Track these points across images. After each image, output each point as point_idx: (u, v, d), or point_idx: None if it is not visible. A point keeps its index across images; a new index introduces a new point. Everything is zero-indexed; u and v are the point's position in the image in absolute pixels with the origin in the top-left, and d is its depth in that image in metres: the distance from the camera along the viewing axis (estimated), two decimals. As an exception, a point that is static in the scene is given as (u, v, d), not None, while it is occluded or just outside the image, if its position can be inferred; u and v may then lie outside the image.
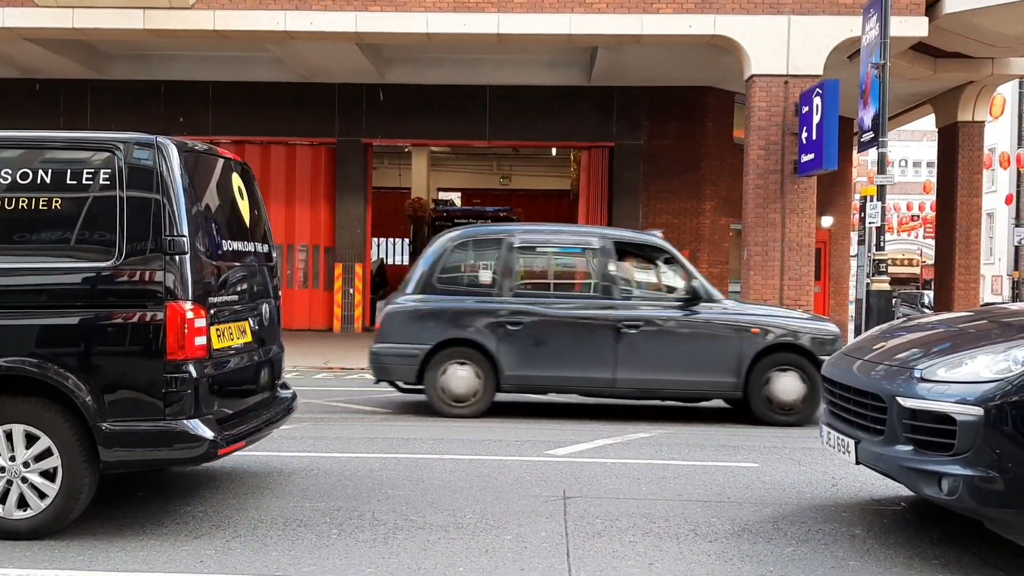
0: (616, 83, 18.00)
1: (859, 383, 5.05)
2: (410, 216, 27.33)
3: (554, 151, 26.23)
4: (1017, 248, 34.99)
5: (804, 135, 13.19)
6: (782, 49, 13.55)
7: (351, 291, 18.93)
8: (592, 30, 13.79)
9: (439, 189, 31.56)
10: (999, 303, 28.27)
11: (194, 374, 4.81)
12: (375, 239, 30.61)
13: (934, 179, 30.02)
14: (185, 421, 4.79)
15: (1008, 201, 33.91)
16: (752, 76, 13.63)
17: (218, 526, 5.10)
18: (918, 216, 43.24)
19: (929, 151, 47.34)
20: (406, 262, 31.28)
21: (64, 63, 17.15)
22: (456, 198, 32.46)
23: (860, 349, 5.52)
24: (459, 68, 17.85)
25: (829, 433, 5.28)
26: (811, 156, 12.96)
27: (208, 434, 4.83)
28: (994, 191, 34.92)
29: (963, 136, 18.28)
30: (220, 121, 18.80)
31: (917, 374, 4.67)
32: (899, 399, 4.63)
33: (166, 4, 13.76)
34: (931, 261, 36.54)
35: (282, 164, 19.43)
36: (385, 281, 26.85)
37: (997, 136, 34.31)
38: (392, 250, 35.23)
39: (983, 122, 18.56)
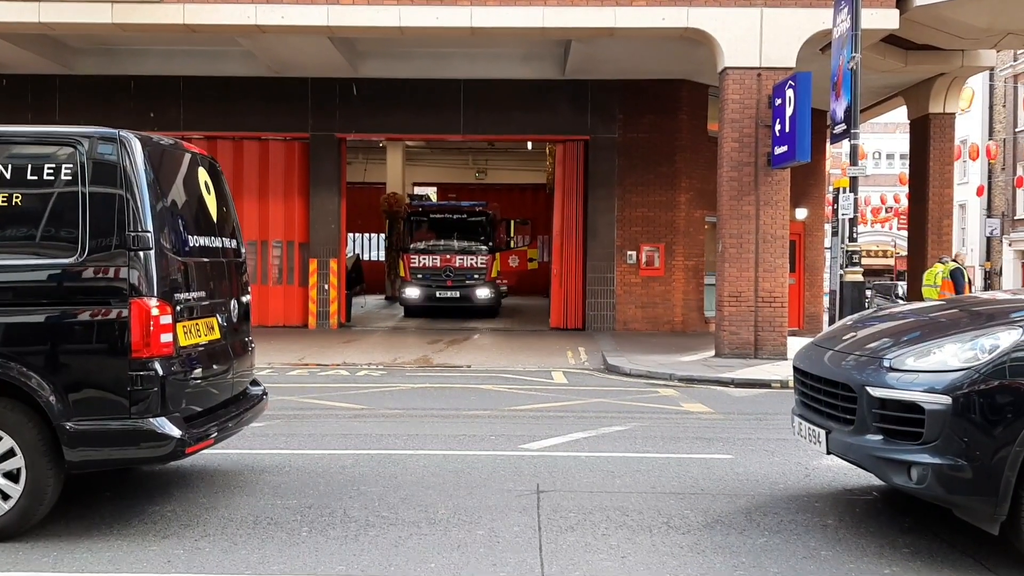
0: (590, 76, 17.98)
1: (829, 373, 5.07)
2: (385, 211, 27.22)
3: (529, 145, 26.21)
4: (988, 239, 35.49)
5: (777, 127, 13.23)
6: (755, 42, 13.57)
7: (326, 287, 18.79)
8: (565, 23, 13.74)
9: (414, 184, 31.46)
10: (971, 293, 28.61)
11: (160, 372, 4.74)
12: (350, 234, 30.54)
13: (907, 171, 30.28)
14: (151, 419, 4.72)
15: (979, 192, 34.36)
16: (725, 69, 13.65)
17: (187, 525, 5.03)
18: (892, 208, 43.61)
19: (902, 143, 47.75)
20: (382, 257, 31.21)
21: (31, 58, 16.87)
22: (432, 193, 32.39)
23: (831, 339, 5.54)
24: (433, 62, 17.76)
25: (800, 424, 5.30)
26: (784, 148, 13.00)
27: (175, 432, 4.76)
28: (965, 182, 35.32)
29: (934, 128, 18.43)
30: (191, 116, 18.58)
31: (886, 363, 4.69)
32: (868, 389, 4.65)
33: (134, -2, 13.57)
34: (903, 252, 36.88)
35: (255, 159, 19.24)
36: (361, 277, 26.74)
37: (968, 128, 34.68)
38: (368, 245, 35.13)
39: (954, 114, 18.71)
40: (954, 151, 19.15)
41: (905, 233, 38.68)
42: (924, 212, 18.43)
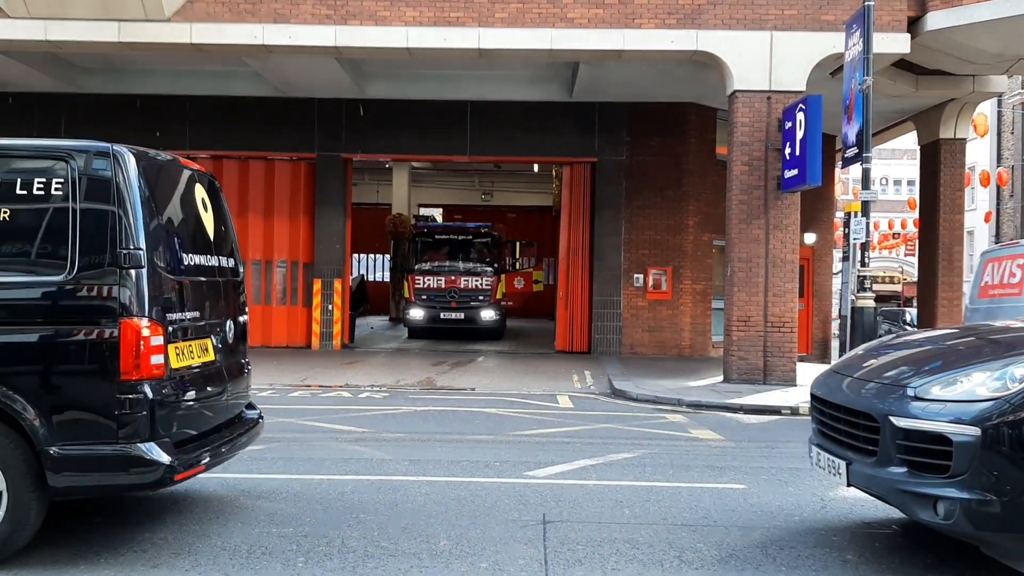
0: (598, 99, 17.89)
1: (850, 402, 4.86)
2: (390, 232, 27.11)
3: (536, 167, 26.12)
4: (997, 266, 35.17)
5: (787, 151, 13.08)
6: (765, 65, 13.46)
7: (330, 308, 18.63)
8: (573, 45, 13.65)
9: (420, 205, 31.37)
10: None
11: (150, 395, 4.55)
12: (355, 255, 30.41)
13: (916, 196, 30.09)
14: (140, 445, 4.52)
15: (987, 219, 34.15)
16: (735, 91, 13.53)
17: (178, 554, 4.83)
18: (899, 234, 43.40)
19: (909, 169, 47.63)
20: (386, 278, 31.07)
21: (38, 76, 16.84)
22: (437, 214, 32.30)
23: (849, 367, 5.34)
24: (440, 83, 17.69)
25: (819, 454, 5.09)
26: (795, 172, 12.84)
27: (164, 459, 4.56)
28: (973, 209, 35.10)
29: (945, 153, 18.26)
30: (197, 136, 18.52)
31: (911, 392, 4.49)
32: (892, 419, 4.44)
33: (142, 16, 13.51)
34: (912, 279, 36.63)
35: (261, 179, 19.15)
36: (365, 297, 26.60)
37: (976, 154, 34.53)
38: (372, 266, 35.01)
39: (964, 139, 18.56)
40: (964, 177, 18.98)
41: (912, 259, 38.35)
42: (935, 238, 18.23)
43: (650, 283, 18.18)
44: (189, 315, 5.06)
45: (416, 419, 10.11)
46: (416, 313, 21.12)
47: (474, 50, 13.78)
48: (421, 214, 29.78)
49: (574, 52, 14.10)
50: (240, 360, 5.86)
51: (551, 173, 26.09)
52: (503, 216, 30.02)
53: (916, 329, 17.98)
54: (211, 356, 5.28)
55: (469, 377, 14.33)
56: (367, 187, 29.91)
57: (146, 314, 4.58)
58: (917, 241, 20.52)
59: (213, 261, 5.46)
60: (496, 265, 21.87)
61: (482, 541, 5.12)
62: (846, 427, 4.85)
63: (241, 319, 5.85)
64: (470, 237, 22.47)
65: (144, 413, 4.53)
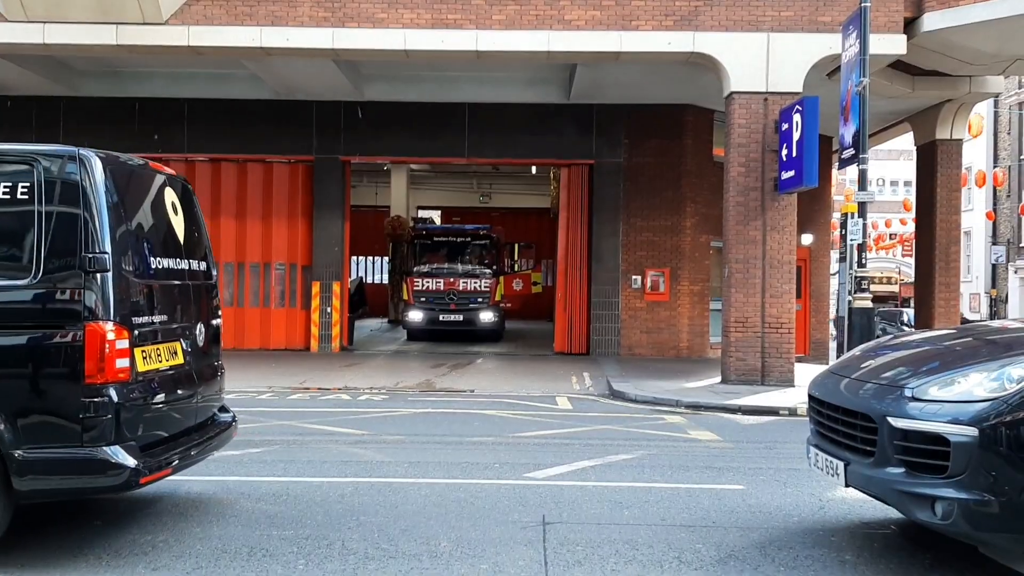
0: (595, 100, 17.92)
1: (847, 402, 4.89)
2: (389, 235, 27.12)
3: (534, 169, 26.14)
4: (994, 266, 35.32)
5: (784, 152, 13.11)
6: (761, 66, 13.49)
7: (329, 310, 18.64)
8: (571, 47, 13.67)
9: (418, 207, 31.39)
10: (978, 321, 28.41)
11: (115, 398, 4.55)
12: (354, 257, 30.43)
13: (911, 197, 30.13)
14: (105, 448, 4.52)
15: (990, 217, 34.23)
16: (732, 93, 13.56)
17: (179, 556, 4.84)
18: (896, 234, 43.47)
19: (905, 170, 47.71)
20: (385, 281, 31.09)
21: (36, 80, 16.84)
22: (436, 216, 32.31)
23: (847, 367, 5.37)
24: (438, 85, 17.71)
25: (817, 455, 5.11)
26: (792, 173, 12.87)
27: (130, 462, 4.56)
28: (970, 209, 35.18)
29: (941, 154, 18.30)
30: (196, 138, 18.53)
31: (908, 393, 4.51)
32: (890, 419, 4.46)
33: (139, 19, 13.52)
34: (909, 279, 36.65)
35: (259, 182, 19.16)
36: (364, 300, 26.63)
37: (973, 155, 34.62)
38: (371, 268, 35.03)
39: (961, 140, 18.61)
40: (961, 178, 19.02)
41: (909, 260, 38.42)
42: (931, 239, 18.26)
43: (648, 284, 18.20)
44: (157, 318, 5.06)
45: (416, 421, 10.12)
46: (415, 315, 21.13)
47: (472, 52, 13.80)
48: (420, 216, 29.80)
49: (571, 54, 14.13)
50: (212, 363, 5.86)
51: (549, 175, 26.12)
52: (501, 218, 30.06)
53: (914, 330, 18.04)
54: (180, 359, 5.29)
55: (468, 379, 14.34)
56: (366, 189, 29.92)
57: (111, 318, 4.58)
58: (914, 242, 20.57)
59: (183, 264, 5.45)
60: (495, 267, 21.90)
61: (482, 542, 5.14)
62: (844, 428, 4.87)
63: (214, 322, 5.85)
64: (469, 239, 22.50)
65: (109, 416, 4.53)
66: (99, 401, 4.50)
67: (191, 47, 13.80)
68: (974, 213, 35.53)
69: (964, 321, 21.48)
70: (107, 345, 4.52)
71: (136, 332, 4.77)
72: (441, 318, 20.98)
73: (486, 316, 21.05)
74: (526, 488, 6.55)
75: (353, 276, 28.88)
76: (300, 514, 5.72)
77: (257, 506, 5.92)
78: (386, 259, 30.05)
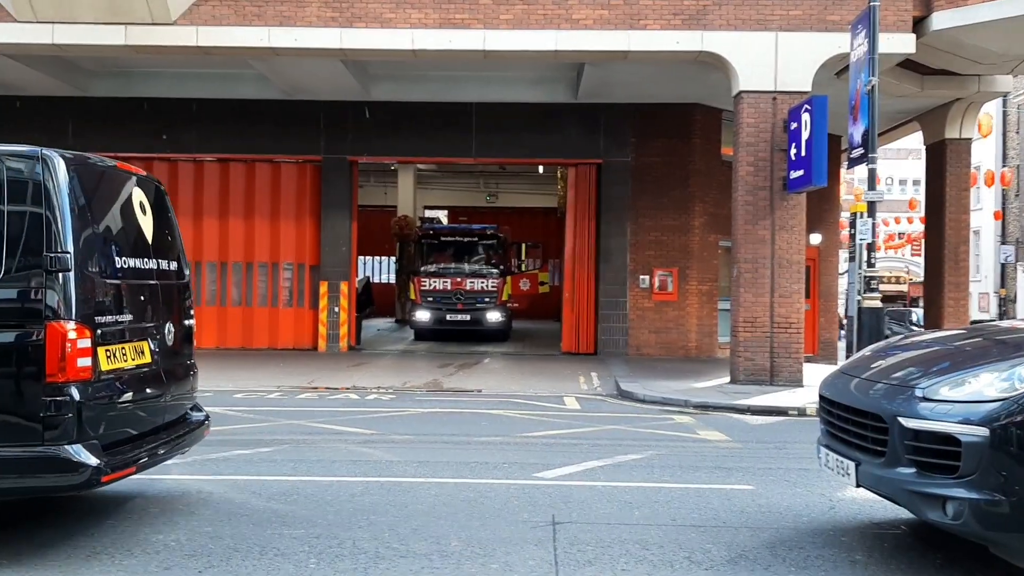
0: (603, 100, 17.91)
1: (858, 403, 4.88)
2: (396, 234, 27.16)
3: (541, 169, 26.13)
4: (1003, 266, 35.18)
5: (793, 151, 13.09)
6: (770, 65, 13.47)
7: (336, 310, 18.67)
8: (579, 46, 13.67)
9: (425, 207, 31.42)
10: (988, 320, 28.31)
11: (76, 397, 4.57)
12: (360, 257, 30.48)
13: (919, 196, 30.02)
14: (67, 447, 4.53)
15: (997, 217, 34.09)
16: (740, 92, 13.54)
17: (191, 555, 4.86)
18: (904, 234, 43.33)
19: (913, 169, 47.54)
20: (392, 280, 31.13)
21: (45, 80, 16.91)
22: (443, 216, 32.35)
23: (857, 368, 5.36)
24: (445, 85, 17.73)
25: (827, 455, 5.11)
26: (800, 172, 12.85)
27: (91, 460, 4.58)
28: (979, 209, 35.04)
29: (950, 153, 18.24)
30: (204, 138, 18.59)
31: (919, 393, 4.50)
32: (901, 419, 4.46)
33: (148, 20, 13.57)
34: (917, 279, 36.53)
35: (267, 181, 19.21)
36: (371, 299, 26.61)
37: (981, 155, 34.49)
38: (378, 268, 35.09)
39: (970, 139, 18.53)
40: (970, 177, 18.95)
41: (918, 259, 38.25)
42: (941, 238, 18.21)
43: (656, 284, 18.19)
44: (122, 318, 5.07)
45: (424, 421, 10.14)
46: (422, 315, 21.16)
47: (480, 52, 13.81)
48: (426, 216, 29.83)
49: (579, 53, 14.14)
50: (185, 362, 5.88)
51: (555, 174, 26.11)
52: (508, 218, 30.05)
53: (923, 330, 17.98)
54: (147, 359, 5.30)
55: (476, 379, 14.36)
56: (373, 189, 29.95)
57: (73, 317, 4.60)
58: (923, 241, 20.51)
59: (151, 264, 5.46)
60: (502, 267, 21.91)
61: (492, 542, 5.15)
62: (855, 428, 4.87)
63: (186, 322, 5.86)
64: (476, 239, 22.52)
65: (70, 415, 4.55)
66: (60, 400, 4.52)
67: (200, 47, 13.84)
68: (983, 212, 35.38)
69: (974, 322, 21.41)
70: (68, 344, 4.54)
71: (100, 331, 4.79)
72: (448, 318, 21.00)
73: (493, 316, 21.06)
74: (535, 488, 6.55)
75: (360, 275, 28.93)
76: (311, 513, 5.74)
77: (268, 505, 5.94)
78: (392, 259, 30.11)
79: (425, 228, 24.36)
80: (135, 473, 5.09)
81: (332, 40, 13.71)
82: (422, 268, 21.75)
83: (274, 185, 19.20)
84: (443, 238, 22.87)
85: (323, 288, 18.68)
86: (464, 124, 18.38)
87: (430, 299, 21.15)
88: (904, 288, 39.97)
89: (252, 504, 5.97)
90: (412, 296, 21.87)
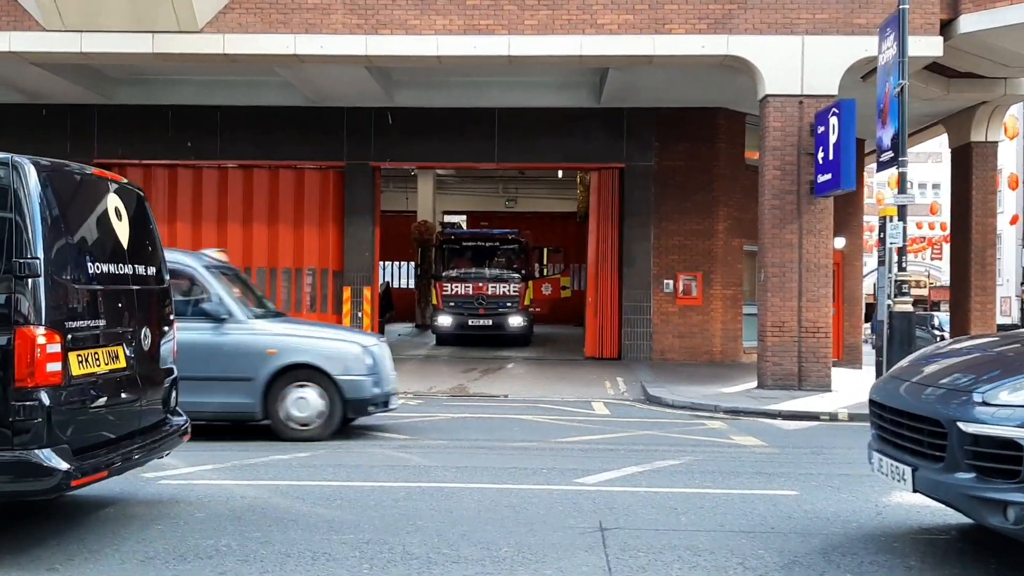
0: (626, 104, 17.88)
1: (913, 407, 4.84)
2: (416, 239, 27.20)
3: (560, 173, 26.12)
4: (1025, 269, 34.84)
5: (820, 155, 13.03)
6: (796, 69, 13.41)
7: (359, 314, 18.71)
8: (604, 51, 13.67)
9: (444, 212, 31.45)
10: (1011, 325, 28.01)
11: (46, 402, 4.59)
12: (380, 263, 30.55)
13: (940, 200, 29.82)
14: (36, 451, 4.56)
15: (1013, 221, 33.79)
16: (766, 96, 13.49)
17: (244, 560, 4.86)
18: (924, 238, 43.03)
19: (933, 173, 47.25)
20: (411, 285, 31.16)
21: (71, 88, 17.03)
22: (462, 221, 32.38)
23: (906, 371, 5.33)
24: (468, 90, 17.75)
25: (880, 460, 5.07)
26: (828, 176, 12.79)
27: (61, 465, 4.60)
28: (1002, 212, 34.74)
29: (976, 156, 18.11)
30: (228, 145, 18.68)
31: (977, 398, 4.46)
32: (960, 424, 4.42)
33: (175, 28, 13.65)
34: (938, 283, 36.26)
35: (291, 188, 19.28)
36: (391, 304, 26.67)
37: (1003, 157, 34.21)
38: (397, 273, 35.15)
39: (996, 143, 18.39)
40: (996, 180, 18.81)
41: (938, 263, 37.88)
42: (967, 242, 18.07)
43: (680, 289, 18.13)
44: (94, 323, 5.08)
45: (454, 426, 10.14)
46: (444, 320, 21.17)
47: (504, 57, 13.82)
48: (446, 221, 29.85)
49: (604, 58, 14.13)
50: (163, 367, 5.87)
51: (575, 179, 26.09)
52: (527, 222, 30.03)
53: (946, 334, 17.83)
54: (122, 364, 5.30)
55: (501, 384, 14.35)
56: (394, 195, 30.01)
57: (43, 322, 4.62)
58: (946, 245, 20.35)
59: (126, 269, 5.46)
60: (523, 271, 21.89)
61: (542, 548, 5.13)
62: (909, 432, 4.83)
63: (165, 327, 5.86)
64: (497, 244, 22.51)
65: (39, 420, 4.57)
66: (29, 405, 4.54)
67: (226, 55, 13.91)
68: (1005, 216, 35.07)
69: (1001, 327, 21.22)
70: (37, 349, 4.57)
71: (71, 336, 4.81)
72: (470, 323, 21.00)
73: (515, 321, 21.04)
74: (578, 494, 6.53)
75: (381, 281, 28.98)
76: (357, 518, 5.74)
77: (313, 510, 5.94)
78: (412, 264, 30.13)
79: (447, 233, 24.37)
80: (107, 477, 5.11)
81: (357, 47, 13.76)
82: (444, 273, 21.76)
83: (297, 191, 19.26)
84: (465, 243, 22.88)
85: (346, 293, 18.72)
86: (487, 129, 18.40)
87: (452, 304, 21.15)
88: (924, 292, 39.68)
89: (297, 509, 5.97)
90: (434, 301, 21.88)
